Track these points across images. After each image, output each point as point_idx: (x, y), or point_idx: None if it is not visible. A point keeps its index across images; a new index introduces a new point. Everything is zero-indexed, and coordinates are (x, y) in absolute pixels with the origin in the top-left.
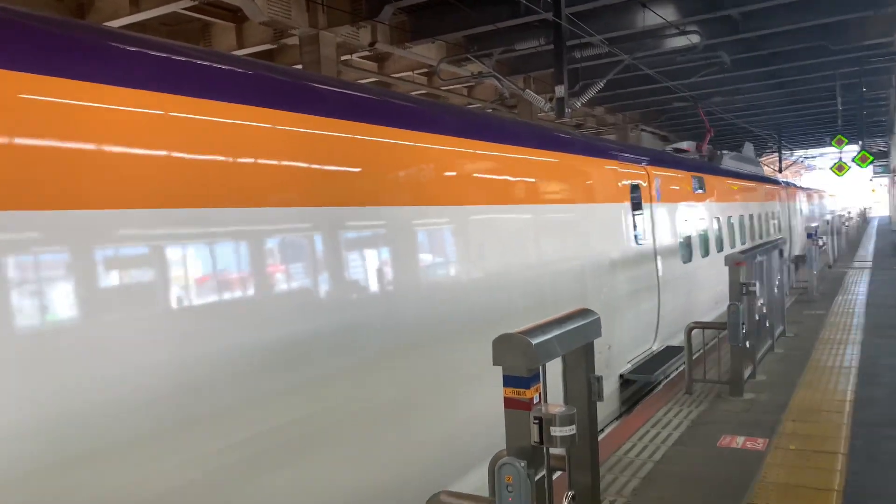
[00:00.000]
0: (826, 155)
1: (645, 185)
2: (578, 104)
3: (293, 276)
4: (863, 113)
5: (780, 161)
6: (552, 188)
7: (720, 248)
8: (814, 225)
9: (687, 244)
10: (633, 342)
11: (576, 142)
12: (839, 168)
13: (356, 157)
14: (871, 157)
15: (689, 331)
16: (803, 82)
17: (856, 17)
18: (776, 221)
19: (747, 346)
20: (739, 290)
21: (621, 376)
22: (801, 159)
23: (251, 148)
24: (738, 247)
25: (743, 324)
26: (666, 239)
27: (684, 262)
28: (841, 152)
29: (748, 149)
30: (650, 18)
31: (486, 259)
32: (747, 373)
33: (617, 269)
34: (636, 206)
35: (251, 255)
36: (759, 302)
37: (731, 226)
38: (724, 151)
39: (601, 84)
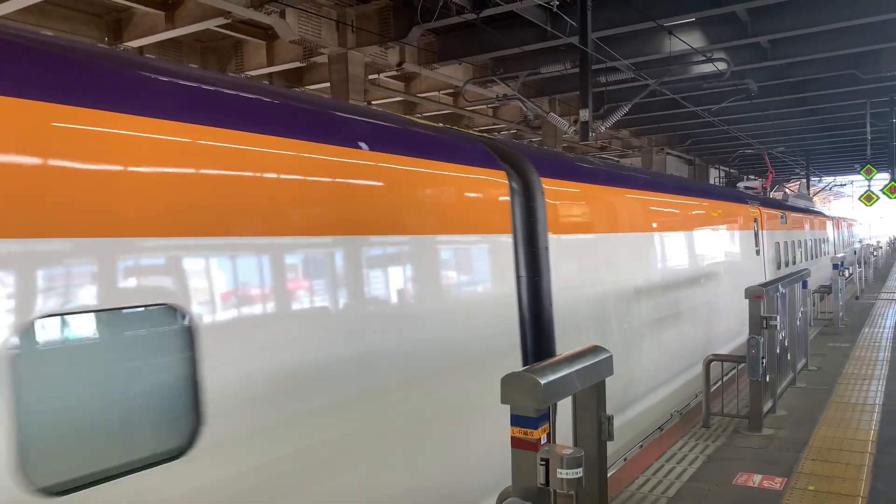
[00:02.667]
0: (855, 182)
1: (757, 218)
2: (603, 128)
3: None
4: (892, 143)
5: (807, 188)
6: (730, 221)
7: (794, 261)
8: (839, 255)
9: (778, 257)
10: None
11: (739, 196)
12: (868, 198)
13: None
14: None
15: (706, 363)
16: (833, 110)
17: (886, 46)
18: (826, 245)
19: (767, 379)
20: (760, 324)
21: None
22: (829, 186)
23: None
24: (805, 261)
25: (763, 357)
26: (768, 253)
27: (777, 268)
28: (870, 182)
29: (802, 186)
30: (677, 45)
31: (711, 256)
32: (767, 407)
33: (749, 268)
34: (755, 231)
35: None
36: (781, 335)
37: (800, 246)
38: (780, 188)
39: (626, 108)
